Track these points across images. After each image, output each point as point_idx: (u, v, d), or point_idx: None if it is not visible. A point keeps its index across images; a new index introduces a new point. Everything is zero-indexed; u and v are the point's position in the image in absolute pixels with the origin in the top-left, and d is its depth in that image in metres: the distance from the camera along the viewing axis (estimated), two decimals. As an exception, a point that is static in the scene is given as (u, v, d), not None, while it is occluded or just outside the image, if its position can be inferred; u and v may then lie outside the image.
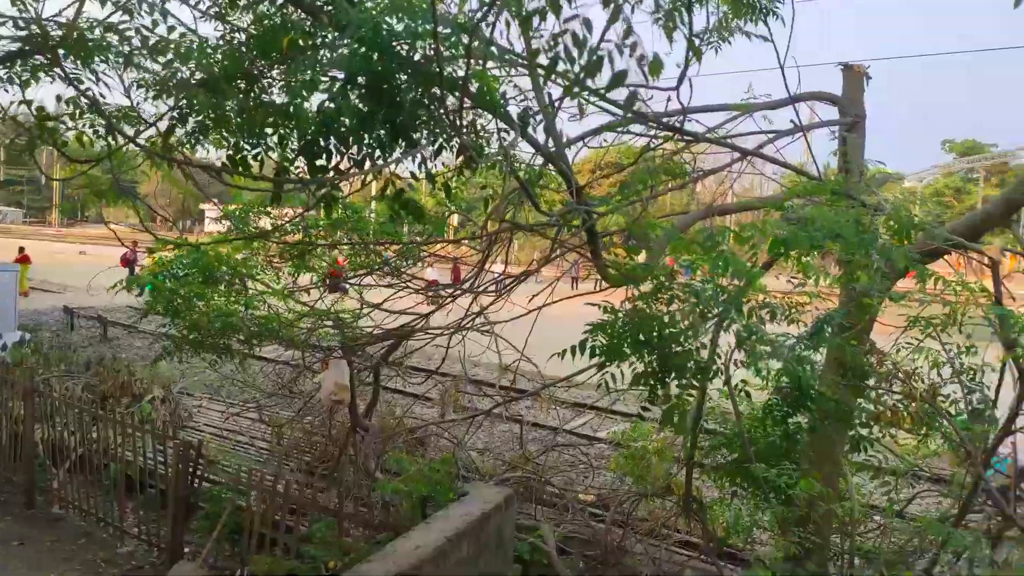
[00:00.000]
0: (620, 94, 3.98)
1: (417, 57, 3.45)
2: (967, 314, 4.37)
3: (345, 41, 3.33)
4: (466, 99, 3.55)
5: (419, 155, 3.84)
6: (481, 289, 5.11)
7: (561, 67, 3.28)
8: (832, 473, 4.97)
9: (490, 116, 3.90)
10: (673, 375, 3.61)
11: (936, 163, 69.01)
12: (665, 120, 4.04)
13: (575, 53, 3.15)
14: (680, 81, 3.51)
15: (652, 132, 4.42)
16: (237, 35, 4.04)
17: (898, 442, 5.86)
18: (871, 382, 4.63)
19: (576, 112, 3.72)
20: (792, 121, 4.51)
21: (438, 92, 3.47)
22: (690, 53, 3.44)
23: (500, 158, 3.62)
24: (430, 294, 7.15)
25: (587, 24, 3.14)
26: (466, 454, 8.76)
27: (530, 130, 3.72)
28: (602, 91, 3.55)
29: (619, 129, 4.43)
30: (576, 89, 3.50)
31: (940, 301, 4.32)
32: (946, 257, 4.98)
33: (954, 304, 4.30)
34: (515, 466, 8.63)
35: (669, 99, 3.46)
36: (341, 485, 6.81)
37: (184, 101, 3.83)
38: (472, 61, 3.40)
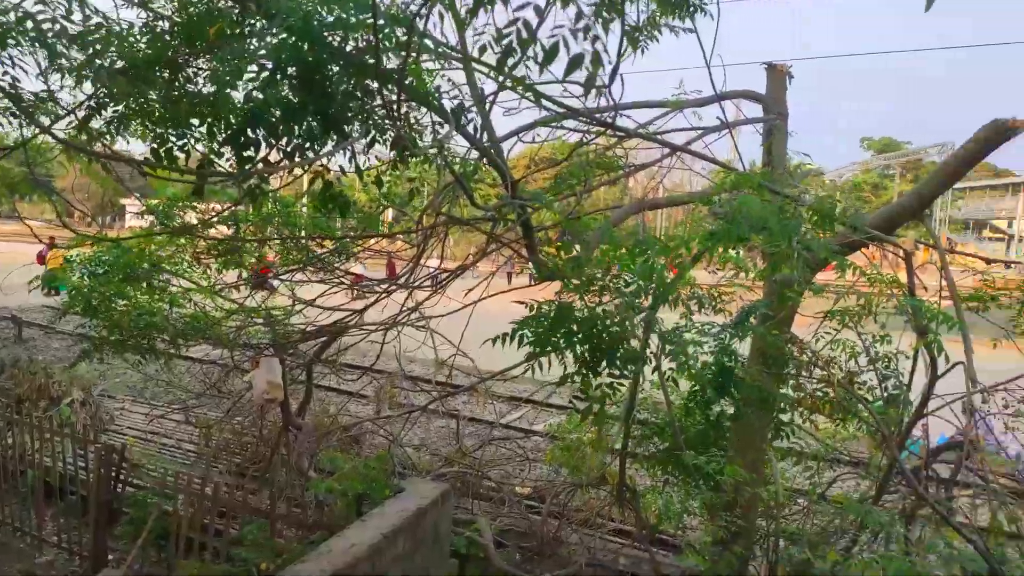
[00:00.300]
0: (555, 89, 4.03)
1: (349, 48, 3.40)
2: (882, 304, 4.59)
3: (274, 30, 3.26)
4: (400, 92, 3.52)
5: (351, 148, 3.78)
6: (416, 284, 5.08)
7: (510, 60, 3.29)
8: (757, 459, 5.15)
9: (424, 109, 3.88)
10: (604, 366, 3.68)
11: (855, 160, 72.18)
12: (597, 116, 4.10)
13: (526, 40, 3.16)
14: (612, 78, 3.58)
15: (585, 127, 4.48)
16: (161, 23, 3.89)
17: (818, 427, 6.12)
18: (792, 370, 4.82)
19: (510, 107, 3.75)
20: (718, 118, 4.65)
21: (371, 84, 3.44)
22: (622, 49, 3.49)
23: (434, 152, 3.60)
24: (356, 289, 7.03)
25: (538, 12, 3.16)
26: (402, 451, 8.72)
27: (465, 124, 3.72)
28: (549, 82, 3.58)
29: (553, 124, 4.48)
30: (510, 82, 3.52)
31: (857, 292, 4.53)
32: (863, 250, 5.22)
33: (869, 295, 4.51)
34: (452, 461, 8.64)
35: (600, 95, 3.51)
36: (273, 486, 6.67)
37: (104, 89, 3.67)
38: (405, 54, 3.38)
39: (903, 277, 4.77)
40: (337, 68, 3.36)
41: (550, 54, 3.26)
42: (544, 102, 3.91)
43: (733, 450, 5.06)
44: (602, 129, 4.41)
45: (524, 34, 3.13)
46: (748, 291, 4.42)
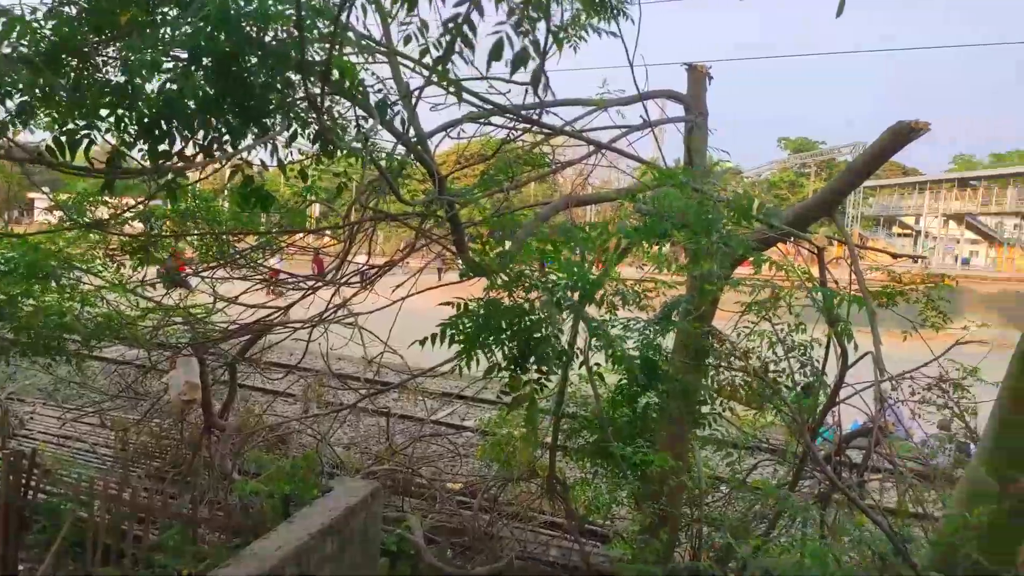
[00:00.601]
0: (481, 85, 4.04)
1: (269, 39, 3.32)
2: (796, 296, 4.79)
3: (190, 19, 3.14)
4: (325, 85, 3.45)
5: (272, 142, 3.69)
6: (343, 280, 5.00)
7: (453, 57, 3.27)
8: (681, 448, 5.29)
9: (348, 103, 3.82)
10: (532, 361, 3.72)
11: (773, 159, 74.96)
12: (524, 113, 4.13)
13: (469, 39, 3.16)
14: (537, 76, 3.60)
15: (512, 124, 4.49)
16: (68, 8, 3.70)
17: (739, 416, 6.34)
18: (712, 362, 4.97)
19: (436, 102, 3.73)
20: (642, 117, 4.75)
21: (293, 76, 3.36)
22: (547, 48, 3.52)
23: (360, 147, 3.55)
24: (273, 285, 6.85)
25: (481, 10, 3.16)
26: (330, 450, 8.58)
27: (390, 119, 3.68)
28: (475, 78, 3.59)
29: (480, 120, 4.48)
30: (437, 77, 3.50)
31: (773, 285, 4.71)
32: (779, 245, 5.42)
33: (783, 288, 4.70)
34: (382, 459, 8.56)
35: (527, 92, 3.54)
36: (195, 489, 6.47)
37: (7, 78, 3.46)
38: (330, 46, 3.32)
39: (817, 272, 4.99)
40: (256, 59, 3.27)
41: (495, 51, 3.26)
42: (471, 98, 3.90)
43: (659, 440, 5.18)
44: (529, 126, 4.44)
45: (468, 32, 3.13)
46: (670, 287, 4.54)
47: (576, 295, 3.87)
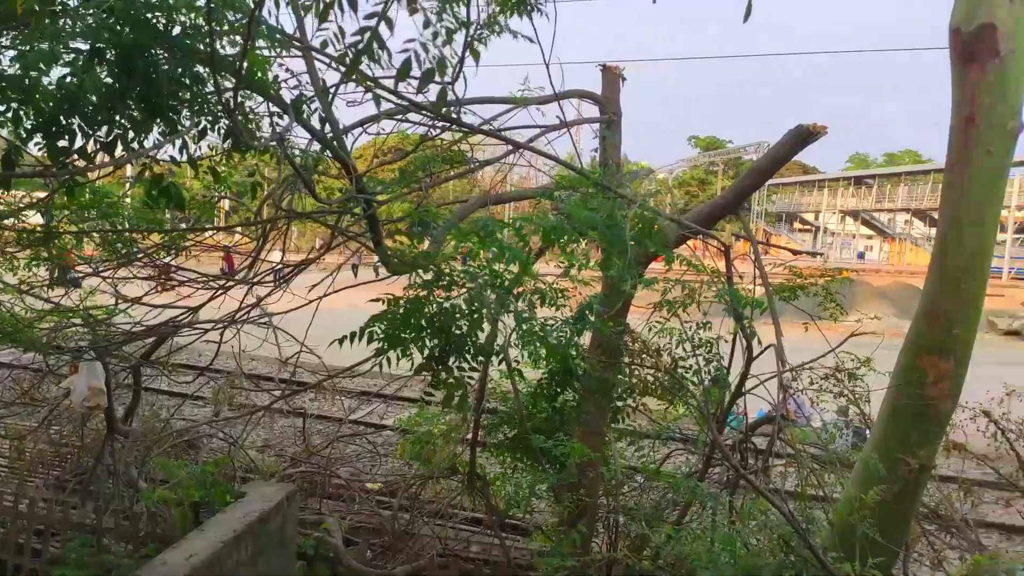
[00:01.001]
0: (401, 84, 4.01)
1: (177, 31, 3.20)
2: (704, 293, 4.99)
3: (92, 10, 3.00)
4: (238, 80, 3.35)
5: (182, 138, 3.56)
6: (256, 279, 4.86)
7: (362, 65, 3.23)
8: (598, 441, 5.42)
9: (260, 99, 3.72)
10: (454, 359, 3.74)
11: (682, 157, 77.44)
12: (442, 110, 4.13)
13: (376, 53, 3.15)
14: (456, 76, 3.61)
15: (430, 122, 4.49)
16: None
17: (651, 410, 6.55)
18: (626, 358, 5.13)
19: (352, 99, 3.68)
20: (558, 117, 4.84)
21: (202, 70, 3.25)
22: (462, 62, 3.54)
23: (274, 143, 3.47)
24: (165, 282, 6.54)
25: (389, 24, 3.14)
26: (244, 454, 8.34)
27: (306, 116, 3.61)
28: (393, 76, 3.56)
29: (398, 118, 4.45)
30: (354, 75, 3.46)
31: (682, 283, 4.90)
32: (689, 243, 5.64)
33: (692, 285, 4.89)
34: (299, 461, 8.39)
35: (432, 85, 3.54)
36: (99, 498, 6.17)
37: None
38: (244, 40, 3.23)
39: (724, 268, 5.21)
40: (163, 52, 3.15)
41: (403, 71, 3.26)
42: (389, 96, 3.88)
43: (577, 434, 5.30)
44: (447, 124, 4.45)
45: (376, 46, 3.11)
46: (586, 284, 4.65)
47: (495, 293, 3.91)
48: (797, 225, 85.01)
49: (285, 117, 3.61)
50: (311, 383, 9.15)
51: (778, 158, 4.97)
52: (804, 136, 4.80)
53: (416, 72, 3.26)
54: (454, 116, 4.21)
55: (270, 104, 3.67)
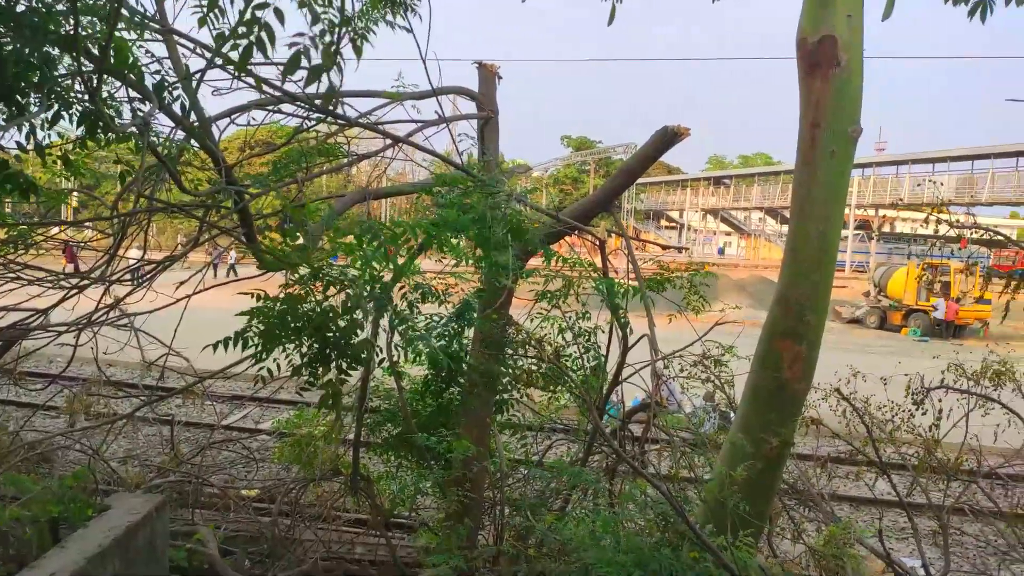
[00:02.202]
0: (271, 71, 3.87)
1: (23, 8, 2.93)
2: (581, 285, 5.16)
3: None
4: (101, 64, 3.11)
5: (28, 123, 3.28)
6: (114, 278, 4.51)
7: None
8: (482, 434, 5.48)
9: (119, 84, 3.47)
10: (333, 359, 3.65)
11: (557, 156, 79.42)
12: (318, 102, 4.01)
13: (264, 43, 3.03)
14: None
15: (305, 113, 4.35)
16: None
17: (535, 401, 6.68)
18: (510, 350, 5.21)
19: (220, 86, 3.51)
20: (436, 112, 4.83)
21: (54, 51, 2.99)
22: (340, 43, 3.46)
23: (135, 131, 3.24)
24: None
25: (279, 16, 3.04)
26: (106, 465, 7.77)
27: (169, 103, 3.39)
28: (264, 63, 3.43)
29: (270, 108, 4.29)
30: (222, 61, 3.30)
31: (561, 276, 5.04)
32: (567, 239, 5.80)
33: (569, 277, 5.05)
34: (168, 470, 7.92)
35: (320, 81, 3.45)
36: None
37: None
38: (109, 21, 3.01)
39: (599, 262, 5.41)
40: (8, 31, 2.88)
41: (292, 64, 3.17)
42: (263, 85, 3.73)
43: (461, 428, 5.33)
44: (322, 116, 4.33)
45: (265, 37, 3.00)
46: (466, 279, 4.68)
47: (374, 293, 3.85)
48: (664, 223, 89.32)
49: (148, 104, 3.38)
50: (177, 388, 8.62)
51: (646, 158, 5.20)
52: (669, 137, 5.06)
53: (305, 63, 3.17)
54: (330, 108, 4.10)
55: (129, 90, 3.41)
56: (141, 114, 3.17)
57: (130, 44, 3.40)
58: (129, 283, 5.37)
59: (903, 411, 6.27)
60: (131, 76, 3.24)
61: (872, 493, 9.23)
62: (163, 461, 8.37)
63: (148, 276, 5.52)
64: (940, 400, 6.19)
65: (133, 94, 3.66)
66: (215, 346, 3.49)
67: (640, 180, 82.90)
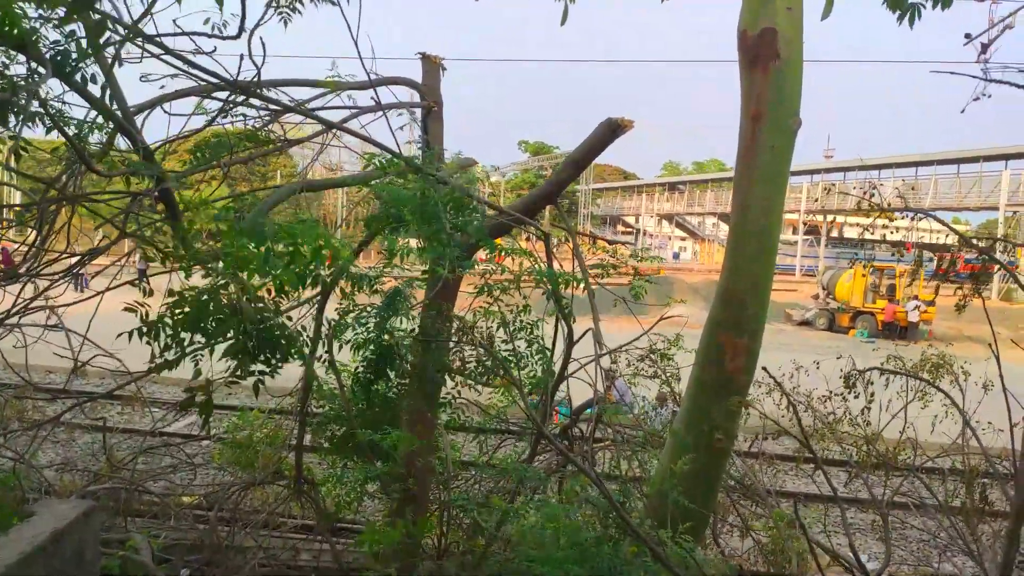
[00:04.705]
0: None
1: None
2: (524, 280, 5.10)
3: None
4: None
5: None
6: (38, 270, 4.25)
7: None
8: (426, 430, 5.36)
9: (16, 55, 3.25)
10: (262, 352, 3.51)
11: (514, 160, 79.73)
12: (246, 87, 3.86)
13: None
14: (240, 31, 3.36)
15: (234, 99, 4.19)
16: None
17: (482, 403, 6.60)
18: (452, 344, 5.12)
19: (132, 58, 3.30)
20: (372, 98, 4.72)
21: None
22: (264, 16, 3.33)
23: (40, 109, 3.05)
24: None
25: None
26: (37, 473, 7.42)
27: (81, 81, 3.20)
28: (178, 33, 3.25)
29: (199, 95, 4.13)
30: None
31: (503, 268, 4.98)
32: (512, 233, 5.74)
33: (513, 271, 4.99)
34: (104, 477, 7.61)
35: (243, 57, 3.30)
36: None
37: None
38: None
39: (543, 254, 5.35)
40: None
41: None
42: (187, 68, 3.57)
43: (403, 423, 5.21)
44: (251, 101, 4.17)
45: None
46: (405, 271, 4.58)
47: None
48: (620, 228, 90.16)
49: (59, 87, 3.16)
50: (108, 391, 8.21)
51: (590, 149, 5.17)
52: (614, 128, 5.04)
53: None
54: (259, 92, 3.96)
55: (30, 62, 3.15)
56: (32, 81, 2.94)
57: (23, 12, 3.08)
58: (49, 277, 5.04)
59: (841, 400, 6.37)
60: (30, 46, 2.96)
61: (818, 489, 9.39)
62: (101, 467, 8.05)
63: (74, 271, 5.25)
64: (871, 386, 6.28)
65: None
66: (129, 335, 3.32)
67: (596, 185, 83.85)
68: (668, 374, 6.18)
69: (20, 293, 4.65)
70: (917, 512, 7.96)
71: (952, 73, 4.84)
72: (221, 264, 2.96)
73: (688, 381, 5.26)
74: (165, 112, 4.14)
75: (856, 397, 6.21)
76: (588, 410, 6.94)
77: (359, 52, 3.75)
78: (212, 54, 3.30)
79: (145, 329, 3.16)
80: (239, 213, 3.38)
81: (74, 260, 4.28)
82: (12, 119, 2.87)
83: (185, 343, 3.21)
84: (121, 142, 3.82)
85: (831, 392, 6.50)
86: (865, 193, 5.74)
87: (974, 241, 5.64)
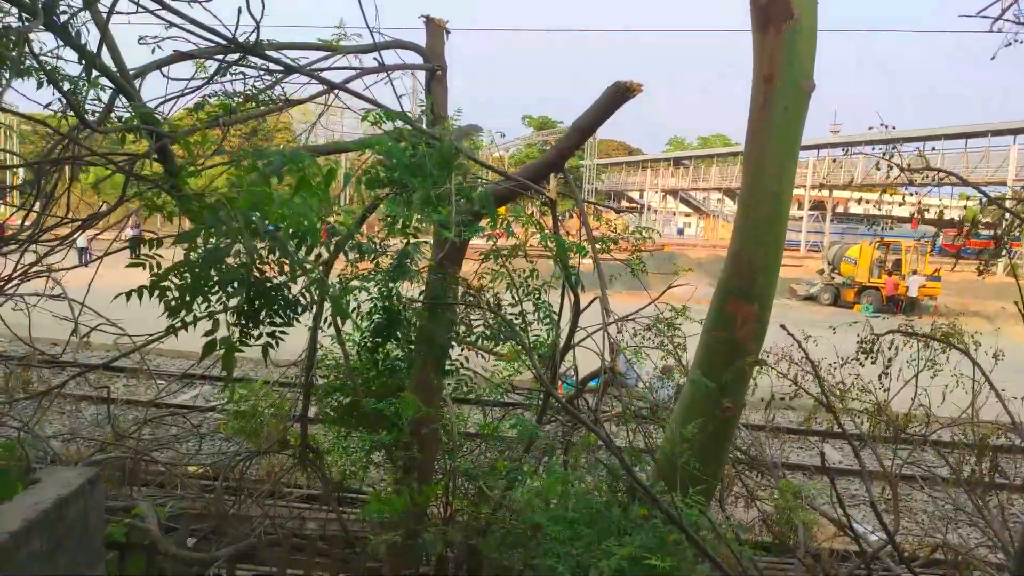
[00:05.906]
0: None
1: None
2: (531, 245, 5.04)
3: None
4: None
5: None
6: (39, 234, 4.18)
7: None
8: (432, 396, 5.33)
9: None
10: (265, 314, 3.44)
11: (519, 135, 79.26)
12: (247, 47, 3.76)
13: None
14: None
15: (233, 59, 4.09)
16: None
17: (489, 371, 6.57)
18: (461, 308, 5.08)
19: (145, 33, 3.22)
20: (375, 59, 4.62)
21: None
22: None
23: (33, 63, 2.96)
24: None
25: None
26: (42, 442, 7.44)
27: (72, 32, 3.10)
28: None
29: (199, 57, 4.04)
30: None
31: (511, 233, 4.91)
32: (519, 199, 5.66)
33: (520, 237, 4.93)
34: (111, 445, 7.63)
35: (240, 11, 3.20)
36: None
37: None
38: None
39: (550, 223, 5.28)
40: None
41: None
42: (186, 24, 3.47)
43: (408, 391, 5.18)
44: (258, 62, 4.08)
45: None
46: (411, 235, 4.51)
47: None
48: (625, 203, 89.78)
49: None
50: (113, 359, 8.17)
51: (597, 114, 5.05)
52: (622, 92, 4.92)
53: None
54: (262, 52, 3.85)
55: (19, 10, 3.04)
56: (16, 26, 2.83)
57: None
58: (50, 244, 4.95)
59: (858, 365, 6.35)
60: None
61: (825, 461, 9.38)
62: (107, 436, 8.07)
63: (76, 241, 5.19)
64: (883, 355, 6.24)
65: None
66: (128, 295, 3.26)
67: (600, 160, 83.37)
68: (674, 344, 6.11)
69: (20, 261, 4.59)
70: (924, 484, 7.94)
71: (981, 16, 4.65)
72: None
73: (697, 348, 5.20)
74: (164, 76, 4.05)
75: (873, 363, 6.17)
76: (594, 381, 6.92)
77: (364, 18, 3.65)
78: (207, 1, 3.18)
79: (152, 283, 3.09)
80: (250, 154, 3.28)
81: (75, 226, 4.20)
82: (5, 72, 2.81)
83: (193, 305, 3.15)
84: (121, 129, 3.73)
85: (842, 358, 6.47)
86: (884, 154, 5.61)
87: (1004, 204, 5.52)
